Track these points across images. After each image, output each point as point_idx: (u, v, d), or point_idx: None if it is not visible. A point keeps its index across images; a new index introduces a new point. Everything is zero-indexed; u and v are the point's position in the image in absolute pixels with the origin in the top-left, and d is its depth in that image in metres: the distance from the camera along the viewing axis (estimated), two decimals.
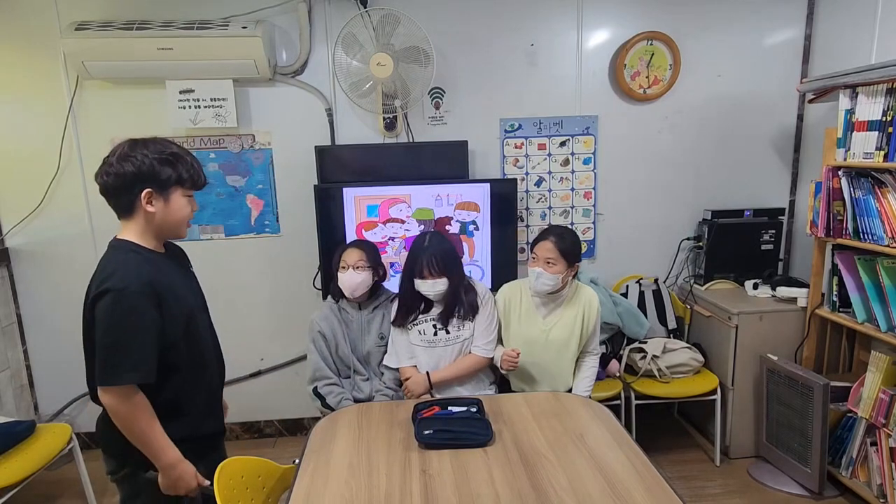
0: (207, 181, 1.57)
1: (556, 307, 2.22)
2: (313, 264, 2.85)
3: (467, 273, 2.32)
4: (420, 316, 2.21)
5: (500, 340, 2.28)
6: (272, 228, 2.92)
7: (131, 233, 1.48)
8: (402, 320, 2.21)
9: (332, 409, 2.16)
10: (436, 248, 2.13)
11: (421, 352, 2.21)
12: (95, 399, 1.44)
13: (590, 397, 2.18)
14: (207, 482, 1.51)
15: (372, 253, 2.26)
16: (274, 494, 1.71)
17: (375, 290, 2.30)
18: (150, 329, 1.39)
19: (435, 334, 2.20)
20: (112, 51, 2.51)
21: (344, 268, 2.21)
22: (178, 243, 1.67)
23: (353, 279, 2.19)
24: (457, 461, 1.58)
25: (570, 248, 2.14)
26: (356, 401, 2.19)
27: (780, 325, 2.68)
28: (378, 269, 2.27)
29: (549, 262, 2.12)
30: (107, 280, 1.37)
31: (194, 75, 2.64)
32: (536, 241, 2.20)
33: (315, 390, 2.22)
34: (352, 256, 2.21)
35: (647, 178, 3.04)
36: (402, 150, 2.85)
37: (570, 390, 2.24)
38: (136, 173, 1.41)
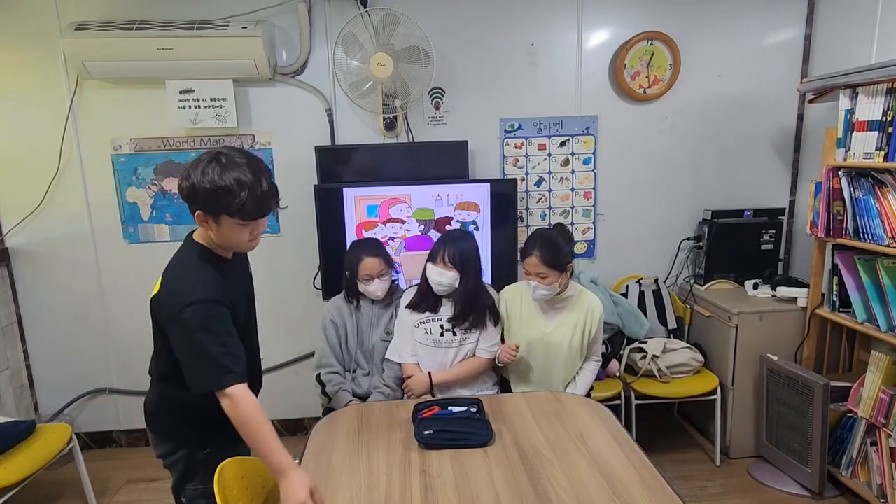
0: (268, 211, 1.52)
1: (559, 310, 2.21)
2: (313, 264, 2.85)
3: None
4: (429, 314, 2.21)
5: (502, 340, 2.28)
6: (272, 228, 2.92)
7: (203, 235, 1.53)
8: (415, 305, 2.21)
9: (330, 398, 2.19)
10: (459, 243, 2.16)
11: (424, 351, 2.21)
12: (153, 379, 1.57)
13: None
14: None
15: (386, 255, 2.29)
16: (274, 495, 1.71)
17: (390, 286, 2.33)
18: (232, 333, 1.45)
19: (441, 335, 2.19)
20: (112, 51, 2.51)
21: (369, 279, 2.21)
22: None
23: (382, 288, 2.23)
24: (457, 461, 1.58)
25: (557, 257, 2.07)
26: (353, 395, 2.21)
27: (780, 325, 2.68)
28: (392, 266, 2.31)
29: (540, 276, 2.09)
30: (189, 291, 1.43)
31: (194, 75, 2.64)
32: (523, 254, 2.15)
33: (318, 377, 2.24)
34: (373, 267, 2.21)
35: (647, 178, 3.04)
36: (402, 150, 2.85)
37: None
38: (189, 193, 1.43)
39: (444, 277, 2.12)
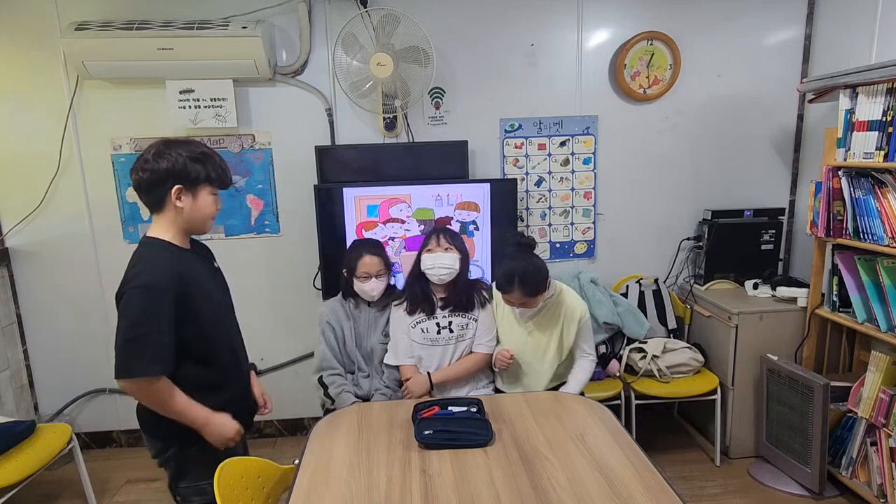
0: (234, 182, 1.65)
1: (538, 310, 2.17)
2: (313, 264, 2.85)
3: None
4: (423, 315, 2.21)
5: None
6: (272, 228, 2.92)
7: (161, 229, 1.56)
8: (410, 308, 2.22)
9: (333, 400, 2.18)
10: (450, 231, 2.22)
11: (422, 350, 2.21)
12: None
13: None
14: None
15: (385, 255, 2.30)
16: (274, 495, 1.71)
17: (386, 288, 2.33)
18: (169, 323, 1.46)
19: (438, 332, 2.20)
20: (112, 51, 2.51)
21: (366, 276, 2.21)
22: (202, 240, 1.78)
23: (376, 288, 2.23)
24: (457, 461, 1.58)
25: (537, 285, 2.02)
26: (356, 397, 2.21)
27: (780, 325, 2.68)
28: (390, 268, 2.32)
29: (524, 305, 2.06)
30: (135, 277, 1.46)
31: (194, 75, 2.64)
32: (501, 289, 2.06)
33: (320, 379, 2.24)
34: (372, 265, 2.21)
35: (647, 178, 3.04)
36: (402, 150, 2.85)
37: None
38: (169, 170, 1.50)
39: (445, 259, 2.14)
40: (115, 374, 1.45)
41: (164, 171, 1.49)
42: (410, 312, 2.21)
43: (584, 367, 2.22)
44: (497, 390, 2.28)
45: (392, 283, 2.38)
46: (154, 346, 1.44)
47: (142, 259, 1.52)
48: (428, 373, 2.18)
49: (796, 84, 2.85)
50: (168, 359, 1.47)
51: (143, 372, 1.44)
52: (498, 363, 2.15)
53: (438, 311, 2.21)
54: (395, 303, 2.27)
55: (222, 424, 1.58)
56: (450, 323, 2.20)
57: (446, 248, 2.15)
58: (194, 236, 1.68)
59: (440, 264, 2.14)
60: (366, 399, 2.21)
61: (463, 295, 2.21)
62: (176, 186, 1.50)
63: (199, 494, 1.59)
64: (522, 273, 1.99)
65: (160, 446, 1.60)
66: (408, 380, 2.19)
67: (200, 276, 1.58)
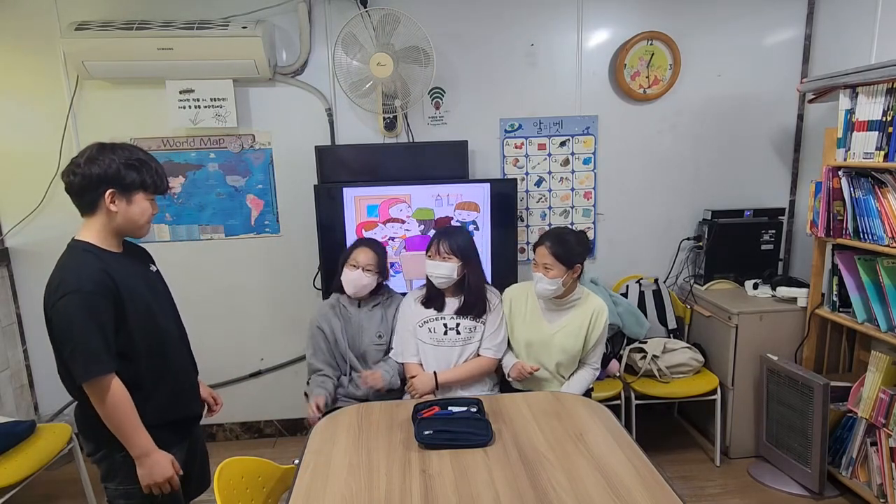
0: (170, 187, 1.64)
1: (563, 313, 2.20)
2: (313, 264, 2.85)
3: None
4: (434, 312, 2.21)
5: (508, 345, 2.28)
6: (272, 228, 2.92)
7: (90, 232, 1.57)
8: (423, 301, 2.24)
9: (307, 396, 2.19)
10: (455, 235, 2.20)
11: (427, 350, 2.21)
12: (69, 390, 1.54)
13: None
14: (181, 472, 1.60)
15: (382, 257, 2.29)
16: (274, 495, 1.71)
17: (376, 290, 2.32)
18: (106, 324, 1.47)
19: (445, 334, 2.20)
20: (112, 51, 2.51)
21: (353, 266, 2.22)
22: (140, 244, 1.76)
23: (360, 280, 2.21)
24: (457, 461, 1.58)
25: (568, 251, 2.09)
26: (355, 399, 2.21)
27: (780, 325, 2.68)
28: (383, 273, 2.31)
29: (546, 267, 2.10)
30: (62, 283, 1.46)
31: (194, 75, 2.64)
32: (536, 244, 2.19)
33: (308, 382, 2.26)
34: (364, 257, 2.22)
35: (647, 178, 3.04)
36: (402, 150, 2.85)
37: None
38: (101, 175, 1.51)
39: (441, 269, 2.14)
40: (78, 383, 1.46)
41: (97, 176, 1.50)
42: (425, 306, 2.23)
43: (585, 375, 2.24)
44: (508, 387, 2.28)
45: (387, 287, 2.38)
46: (92, 351, 1.43)
47: (63, 266, 1.51)
48: (434, 372, 2.18)
49: (796, 84, 2.85)
50: (108, 360, 1.45)
51: (89, 375, 1.44)
52: (514, 373, 2.14)
53: (447, 312, 2.21)
54: (412, 292, 2.29)
55: (158, 464, 1.53)
56: (457, 325, 2.20)
57: (444, 257, 2.15)
58: (132, 239, 1.68)
59: (437, 273, 2.16)
60: (365, 400, 2.20)
61: (472, 298, 2.20)
62: (109, 191, 1.51)
63: (126, 498, 1.59)
64: (560, 234, 2.16)
65: (91, 447, 1.60)
66: (413, 377, 2.19)
67: (128, 278, 1.55)
